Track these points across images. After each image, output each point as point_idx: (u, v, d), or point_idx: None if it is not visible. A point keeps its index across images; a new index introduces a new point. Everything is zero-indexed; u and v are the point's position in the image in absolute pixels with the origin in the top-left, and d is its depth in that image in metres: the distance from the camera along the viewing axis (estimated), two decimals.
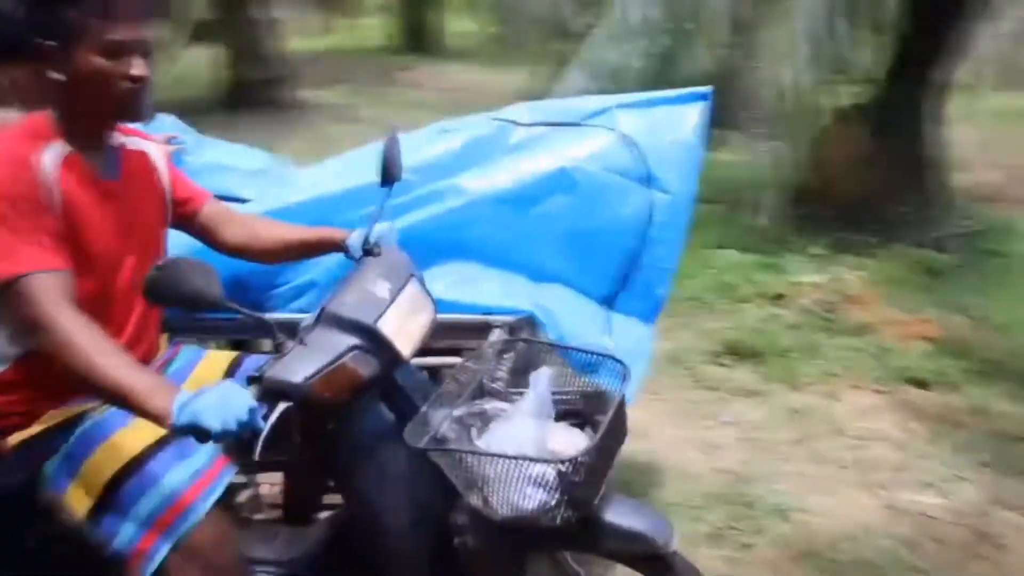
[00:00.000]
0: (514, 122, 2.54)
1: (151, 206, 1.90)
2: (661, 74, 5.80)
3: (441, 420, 1.65)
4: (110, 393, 1.52)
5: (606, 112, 2.49)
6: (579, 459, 1.50)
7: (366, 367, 1.62)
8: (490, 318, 2.15)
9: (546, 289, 2.30)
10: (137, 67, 1.66)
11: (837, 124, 6.34)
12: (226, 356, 2.07)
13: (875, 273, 5.32)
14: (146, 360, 1.88)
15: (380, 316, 1.66)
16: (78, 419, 1.75)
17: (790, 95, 5.25)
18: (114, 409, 1.70)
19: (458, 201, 2.33)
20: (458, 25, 17.54)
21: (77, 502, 1.69)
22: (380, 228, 1.92)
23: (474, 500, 1.56)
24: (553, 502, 1.53)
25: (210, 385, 1.46)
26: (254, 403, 1.44)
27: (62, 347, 1.52)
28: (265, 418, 1.49)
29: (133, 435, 1.70)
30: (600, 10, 5.99)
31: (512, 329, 2.14)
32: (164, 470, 1.67)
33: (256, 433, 1.46)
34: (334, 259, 2.18)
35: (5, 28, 1.88)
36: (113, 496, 1.66)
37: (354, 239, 1.96)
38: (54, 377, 1.58)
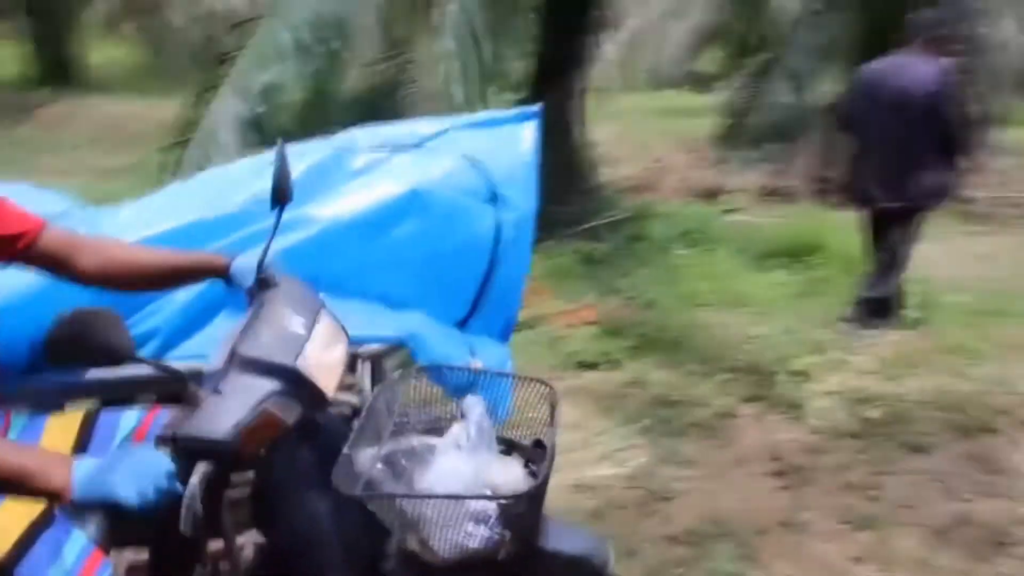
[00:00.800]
0: (353, 148, 2.45)
1: None
2: (318, 93, 5.83)
3: (369, 461, 1.49)
4: None
5: (444, 134, 2.47)
6: (530, 492, 1.44)
7: (289, 412, 1.44)
8: (358, 349, 1.98)
9: (406, 316, 2.19)
10: None
11: None
12: (73, 417, 1.72)
13: (544, 268, 5.69)
14: None
15: (298, 354, 1.47)
16: None
17: (445, 108, 5.49)
18: None
19: (308, 231, 2.16)
20: (102, 54, 16.34)
21: None
22: (269, 255, 1.69)
23: (411, 543, 1.45)
24: (497, 537, 1.45)
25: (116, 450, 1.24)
26: (170, 466, 1.26)
27: None
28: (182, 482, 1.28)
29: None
30: (249, 31, 5.89)
31: (379, 358, 2.03)
32: (51, 550, 1.39)
33: (174, 501, 1.26)
34: (178, 304, 1.97)
35: None
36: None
37: (240, 265, 1.71)
38: None
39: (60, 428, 1.69)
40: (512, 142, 2.50)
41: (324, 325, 1.60)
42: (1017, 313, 5.10)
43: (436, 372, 1.73)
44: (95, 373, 1.78)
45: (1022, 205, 9.31)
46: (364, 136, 2.55)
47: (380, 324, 2.12)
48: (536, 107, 2.60)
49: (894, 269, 4.74)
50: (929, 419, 3.58)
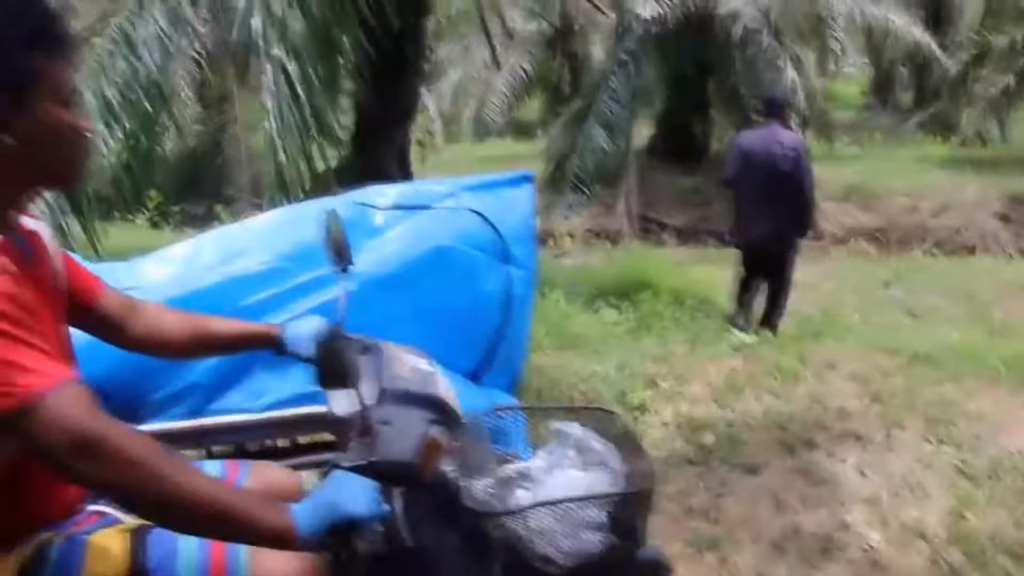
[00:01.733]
0: (372, 205, 2.55)
1: (57, 300, 1.46)
2: (134, 155, 5.61)
3: (483, 488, 1.59)
4: (203, 517, 1.21)
5: (454, 195, 2.56)
6: (644, 489, 1.59)
7: (446, 437, 1.50)
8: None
9: None
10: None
11: (318, 188, 6.67)
12: None
13: None
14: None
15: (435, 386, 1.58)
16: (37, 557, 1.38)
17: (269, 167, 5.40)
18: (73, 535, 1.40)
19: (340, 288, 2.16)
20: None
21: None
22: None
23: (534, 558, 1.50)
24: (608, 542, 1.53)
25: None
26: (374, 489, 1.31)
27: (125, 469, 1.16)
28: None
29: (98, 554, 1.40)
30: None
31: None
32: (170, 558, 1.40)
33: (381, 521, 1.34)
34: (213, 360, 1.98)
35: None
36: None
37: (292, 336, 1.74)
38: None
39: None
40: (514, 204, 2.63)
41: (434, 363, 1.70)
42: (830, 334, 5.49)
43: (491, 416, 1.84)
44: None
45: (835, 236, 10.08)
46: (380, 195, 2.66)
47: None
48: (529, 172, 2.73)
49: (784, 295, 5.98)
50: (758, 440, 3.78)
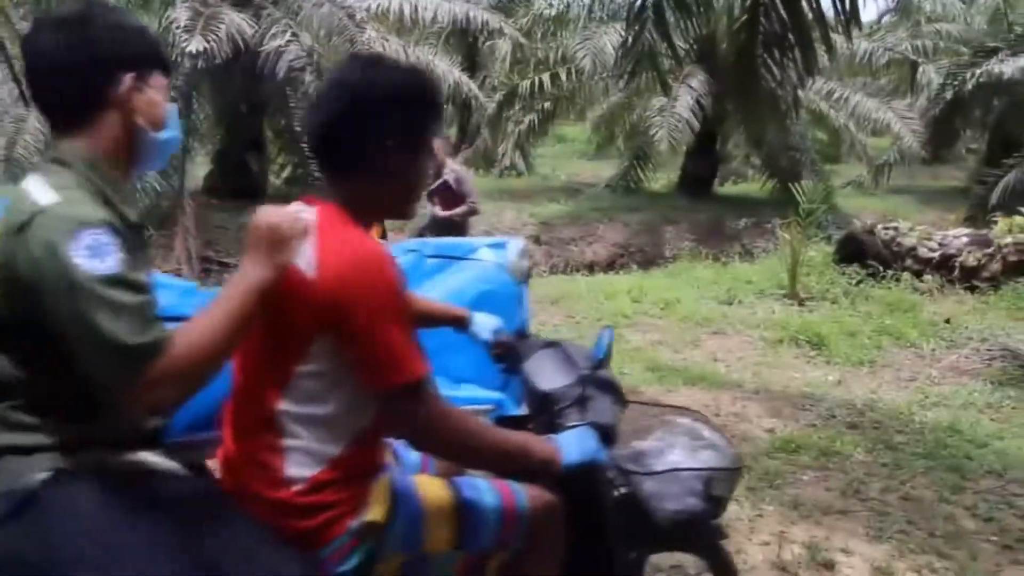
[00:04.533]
0: (421, 253, 3.28)
1: None
2: None
3: (626, 457, 2.06)
4: (503, 463, 1.83)
5: (478, 249, 3.22)
6: (740, 468, 2.13)
7: (620, 413, 2.09)
8: (481, 407, 2.59)
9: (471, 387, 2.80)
10: None
11: None
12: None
13: None
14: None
15: (610, 374, 2.18)
16: (389, 500, 1.77)
17: None
18: (397, 478, 1.83)
19: None
20: None
21: (438, 545, 1.81)
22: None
23: (654, 512, 1.99)
24: (704, 505, 2.01)
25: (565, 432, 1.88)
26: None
27: (458, 439, 1.70)
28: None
29: (428, 489, 1.85)
30: None
31: (484, 414, 2.59)
32: (480, 499, 1.86)
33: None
34: None
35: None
36: (463, 532, 1.83)
37: (479, 321, 2.38)
38: (359, 471, 1.72)
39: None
40: (514, 256, 3.23)
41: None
42: None
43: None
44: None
45: None
46: (421, 246, 3.42)
47: (475, 392, 2.77)
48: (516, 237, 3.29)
49: None
50: None
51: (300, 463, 1.66)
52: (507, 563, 1.93)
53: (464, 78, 18.11)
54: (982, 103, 16.77)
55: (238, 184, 13.24)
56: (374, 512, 1.72)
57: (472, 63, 21.14)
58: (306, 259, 1.60)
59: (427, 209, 7.26)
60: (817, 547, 3.38)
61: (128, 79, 1.64)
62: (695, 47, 14.45)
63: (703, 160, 15.61)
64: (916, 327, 7.08)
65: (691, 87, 13.53)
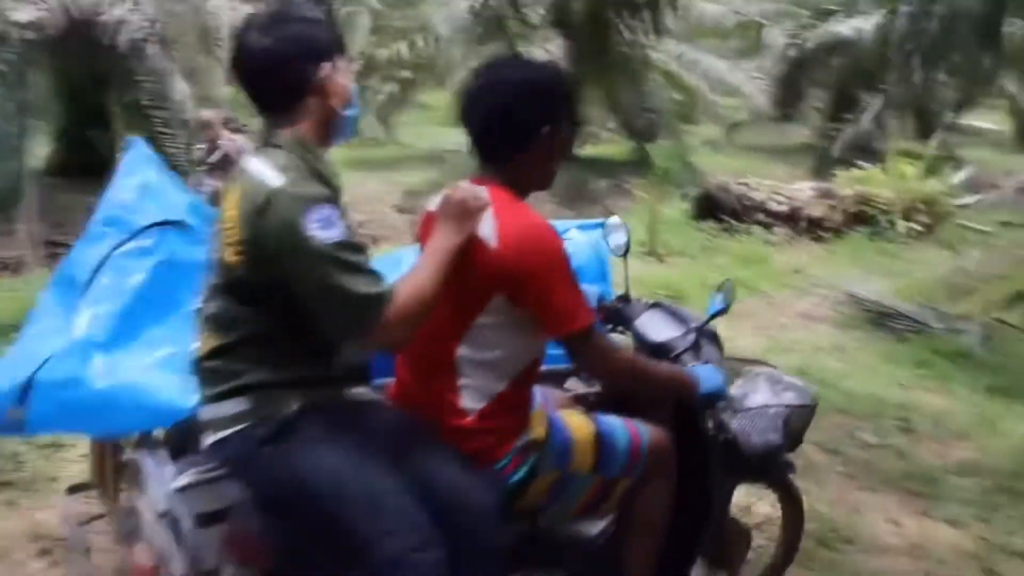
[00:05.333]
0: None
1: None
2: None
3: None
4: (660, 385, 2.27)
5: (568, 229, 3.08)
6: (814, 405, 2.47)
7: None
8: (560, 367, 2.49)
9: None
10: None
11: None
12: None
13: None
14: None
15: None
16: (545, 426, 2.17)
17: None
18: (547, 411, 2.24)
19: None
20: None
21: (581, 468, 2.20)
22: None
23: (744, 445, 2.35)
24: (784, 439, 2.37)
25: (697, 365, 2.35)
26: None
27: (626, 367, 2.16)
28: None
29: (573, 421, 2.25)
30: None
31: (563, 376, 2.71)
32: (613, 433, 2.25)
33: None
34: None
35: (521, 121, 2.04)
36: (600, 458, 2.21)
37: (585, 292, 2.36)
38: (519, 403, 2.12)
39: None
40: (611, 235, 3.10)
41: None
42: None
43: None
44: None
45: None
46: None
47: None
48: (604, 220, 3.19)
49: None
50: None
51: (473, 398, 2.05)
52: (630, 489, 2.28)
53: None
54: (823, 62, 17.60)
55: (84, 161, 12.51)
56: (535, 433, 2.13)
57: None
58: (488, 230, 1.96)
59: (205, 184, 6.94)
60: None
61: (325, 67, 1.90)
62: (552, 12, 14.59)
63: None
64: (768, 278, 7.44)
65: (549, 52, 13.61)
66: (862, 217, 9.47)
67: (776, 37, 18.42)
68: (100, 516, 2.71)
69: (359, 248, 1.83)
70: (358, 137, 17.57)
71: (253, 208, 1.80)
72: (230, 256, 1.87)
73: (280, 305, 1.87)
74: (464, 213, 1.93)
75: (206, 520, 1.99)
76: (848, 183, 10.08)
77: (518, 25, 13.74)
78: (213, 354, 1.95)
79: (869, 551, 3.44)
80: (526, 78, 2.06)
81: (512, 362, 2.07)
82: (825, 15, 16.84)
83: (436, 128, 21.73)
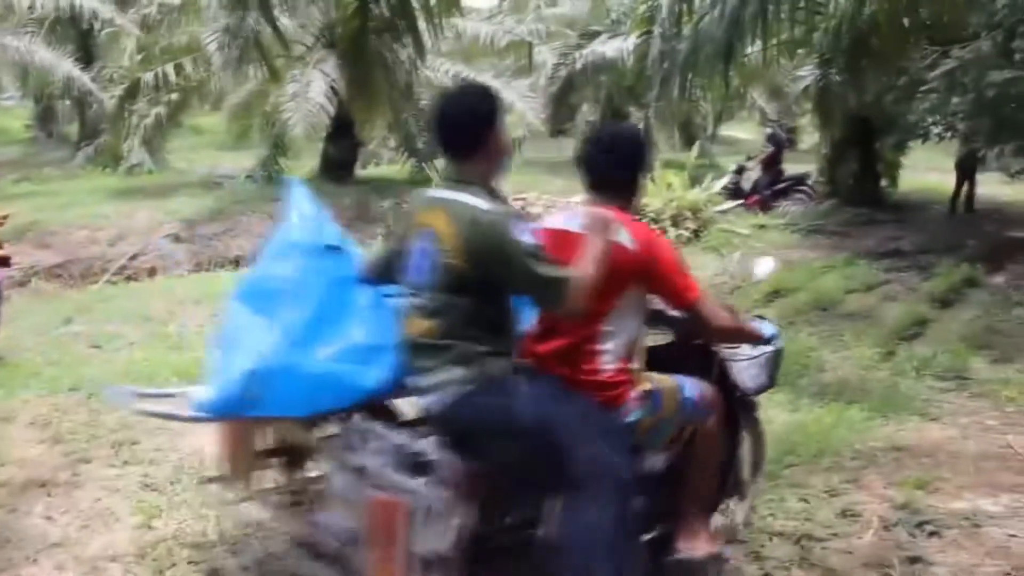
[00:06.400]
0: None
1: None
2: None
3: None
4: (745, 333, 3.00)
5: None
6: (781, 349, 3.24)
7: None
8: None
9: None
10: None
11: None
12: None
13: None
14: None
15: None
16: (649, 383, 2.80)
17: None
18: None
19: None
20: None
21: (668, 414, 2.79)
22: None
23: (743, 386, 3.12)
24: (768, 379, 3.15)
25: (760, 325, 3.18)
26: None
27: (728, 321, 2.83)
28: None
29: (661, 379, 2.82)
30: None
31: None
32: (686, 387, 2.85)
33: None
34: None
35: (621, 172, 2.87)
36: (680, 406, 2.82)
37: None
38: (634, 363, 2.78)
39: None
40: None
41: None
42: (9, 384, 5.17)
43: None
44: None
45: (13, 279, 9.40)
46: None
47: None
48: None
49: None
50: None
51: (608, 360, 2.71)
52: (693, 431, 2.90)
53: (76, 71, 16.67)
54: (591, 81, 18.49)
55: None
56: (645, 385, 2.76)
57: (88, 54, 19.44)
58: (625, 237, 2.63)
59: None
60: None
61: (497, 125, 2.64)
62: (325, 32, 14.44)
63: (343, 144, 15.43)
64: None
65: (324, 72, 13.43)
66: None
67: (547, 57, 19.14)
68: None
69: (543, 247, 2.52)
70: (123, 165, 16.64)
71: (471, 225, 2.49)
72: (450, 259, 2.52)
73: (486, 294, 2.53)
74: (606, 227, 2.59)
75: (429, 466, 2.48)
76: None
77: (279, 47, 13.47)
78: (426, 335, 2.59)
79: None
80: (633, 135, 3.01)
81: (633, 334, 2.78)
82: (591, 36, 17.71)
83: (212, 152, 20.94)
